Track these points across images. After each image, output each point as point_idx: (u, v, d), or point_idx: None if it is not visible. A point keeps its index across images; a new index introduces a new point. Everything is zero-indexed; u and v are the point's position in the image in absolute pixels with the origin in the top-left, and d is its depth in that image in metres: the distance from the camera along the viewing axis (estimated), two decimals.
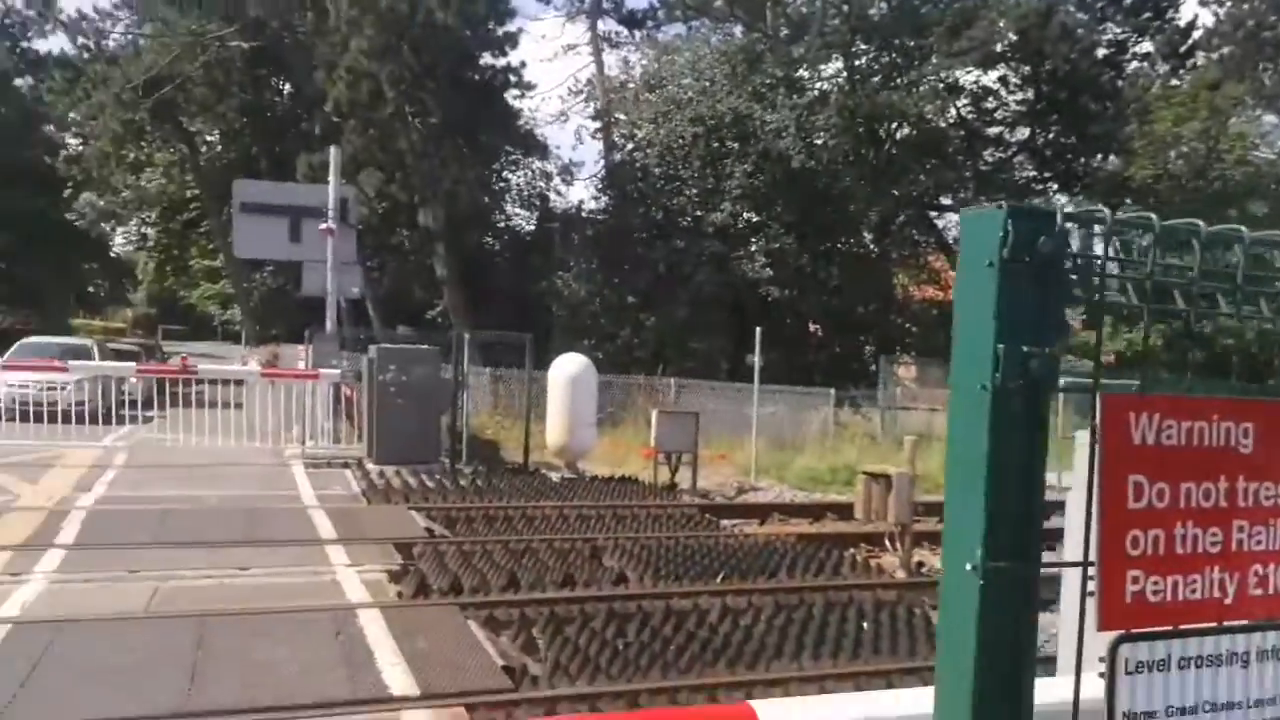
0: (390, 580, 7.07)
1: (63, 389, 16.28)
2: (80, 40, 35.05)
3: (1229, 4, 31.08)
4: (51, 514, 8.79)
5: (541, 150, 33.03)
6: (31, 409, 15.35)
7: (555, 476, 12.84)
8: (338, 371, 14.52)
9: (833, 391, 20.42)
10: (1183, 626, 1.16)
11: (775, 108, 26.52)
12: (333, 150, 16.93)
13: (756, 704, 1.41)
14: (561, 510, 9.91)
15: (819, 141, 27.53)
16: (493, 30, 28.19)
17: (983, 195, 31.90)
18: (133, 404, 16.87)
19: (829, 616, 6.63)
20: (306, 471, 12.02)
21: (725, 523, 10.47)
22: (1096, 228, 1.18)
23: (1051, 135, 30.07)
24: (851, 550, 9.20)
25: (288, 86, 34.96)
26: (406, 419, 12.49)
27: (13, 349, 19.13)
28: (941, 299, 31.95)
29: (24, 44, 40.53)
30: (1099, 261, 1.15)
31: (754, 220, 26.98)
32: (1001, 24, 29.32)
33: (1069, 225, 1.13)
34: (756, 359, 12.76)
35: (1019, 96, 31.20)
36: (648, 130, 28.28)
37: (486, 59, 28.71)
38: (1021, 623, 1.13)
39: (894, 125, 30.71)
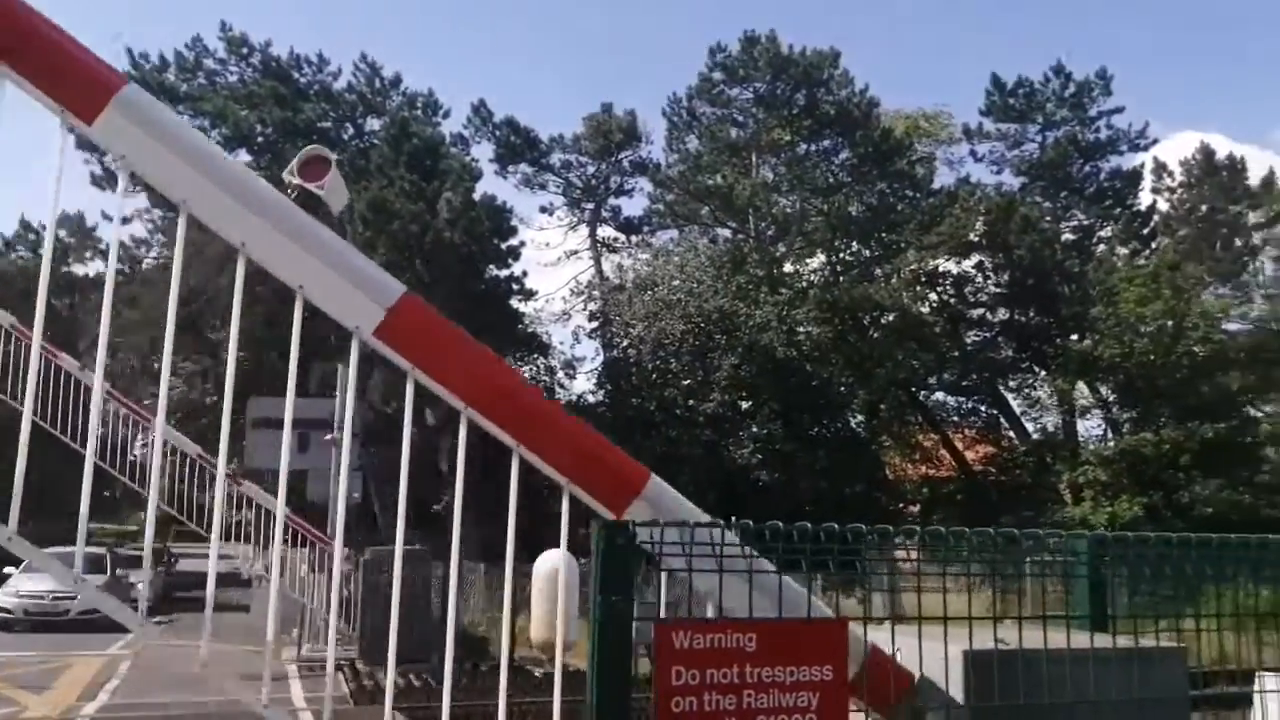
0: None
1: (74, 598, 16.94)
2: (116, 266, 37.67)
3: (1179, 191, 33.42)
4: None
5: (544, 349, 34.82)
6: (45, 619, 16.03)
7: (538, 673, 13.24)
8: (347, 550, 15.24)
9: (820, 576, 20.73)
10: None
11: (758, 304, 28.25)
12: (340, 369, 18.29)
13: None
14: (544, 707, 10.36)
15: (801, 333, 29.08)
16: (497, 245, 30.50)
17: (968, 375, 33.21)
18: (150, 611, 17.26)
19: None
20: (301, 675, 12.52)
21: None
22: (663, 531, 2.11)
23: (1027, 317, 31.61)
24: None
25: None
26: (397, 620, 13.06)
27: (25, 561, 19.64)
28: (935, 475, 32.58)
29: (65, 268, 43.54)
30: (659, 549, 2.09)
31: (743, 408, 28.16)
32: (968, 219, 31.52)
33: (641, 530, 2.07)
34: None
35: (996, 280, 32.96)
36: (640, 328, 29.98)
37: (492, 270, 30.87)
38: None
39: (875, 314, 32.38)
